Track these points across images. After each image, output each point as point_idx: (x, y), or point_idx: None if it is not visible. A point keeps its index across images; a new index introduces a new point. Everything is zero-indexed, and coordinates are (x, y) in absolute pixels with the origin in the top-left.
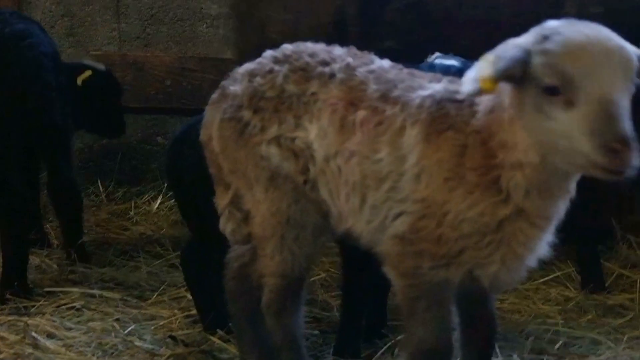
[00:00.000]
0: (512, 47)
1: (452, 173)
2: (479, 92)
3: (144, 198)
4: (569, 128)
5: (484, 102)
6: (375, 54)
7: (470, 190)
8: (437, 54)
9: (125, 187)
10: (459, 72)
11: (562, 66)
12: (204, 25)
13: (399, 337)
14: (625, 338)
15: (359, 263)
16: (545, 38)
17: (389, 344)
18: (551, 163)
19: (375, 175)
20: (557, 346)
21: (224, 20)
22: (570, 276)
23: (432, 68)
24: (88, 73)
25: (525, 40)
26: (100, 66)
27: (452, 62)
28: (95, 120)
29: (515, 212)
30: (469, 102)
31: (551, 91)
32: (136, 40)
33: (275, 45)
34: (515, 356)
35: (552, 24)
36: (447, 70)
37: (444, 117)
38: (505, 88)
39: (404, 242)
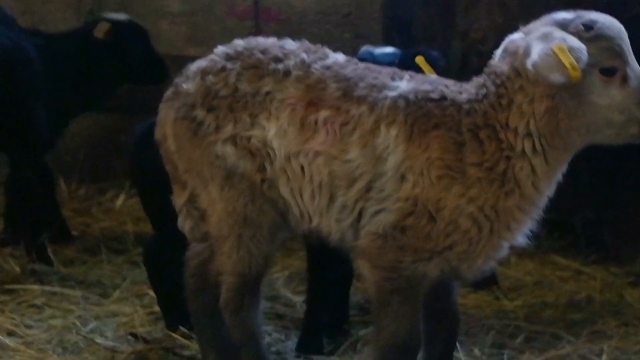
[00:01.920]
0: (572, 39)
1: (446, 170)
2: (569, 80)
3: (107, 195)
4: (627, 101)
5: (476, 99)
6: None
7: (469, 185)
8: (365, 46)
9: (87, 184)
10: (402, 57)
11: (619, 47)
12: (166, 23)
13: (361, 333)
14: (584, 332)
15: (324, 260)
16: (589, 27)
17: (351, 339)
18: (580, 143)
19: (345, 176)
20: (517, 340)
21: (187, 17)
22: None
23: (372, 56)
24: (106, 26)
25: (560, 32)
26: (122, 16)
27: (389, 49)
28: (133, 70)
29: (516, 203)
30: (450, 102)
31: (611, 72)
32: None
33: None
34: (476, 351)
35: (566, 15)
36: (392, 57)
37: (427, 116)
38: (534, 82)
39: (385, 237)
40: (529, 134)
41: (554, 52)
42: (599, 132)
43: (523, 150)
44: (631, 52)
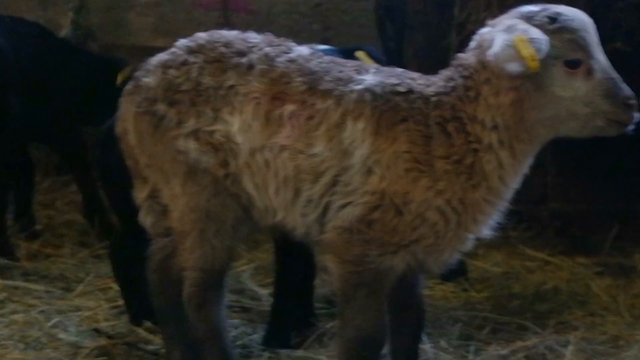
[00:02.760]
0: (534, 30)
1: (414, 163)
2: (526, 70)
3: (71, 188)
4: (591, 94)
5: (444, 92)
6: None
7: (437, 178)
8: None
9: (52, 177)
10: (342, 53)
11: (583, 40)
12: (133, 14)
13: (328, 326)
14: (551, 323)
15: (291, 253)
16: (553, 20)
17: (318, 333)
18: (546, 136)
19: (311, 170)
20: (484, 332)
21: (153, 8)
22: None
23: None
24: (126, 72)
25: (523, 24)
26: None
27: (327, 47)
28: None
29: (483, 195)
30: (417, 94)
31: (575, 64)
32: (63, 30)
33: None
34: (443, 342)
35: (532, 8)
36: (332, 54)
37: (394, 109)
38: (499, 74)
39: (351, 231)
40: (495, 127)
41: (514, 43)
42: (564, 124)
43: (490, 143)
44: (598, 45)
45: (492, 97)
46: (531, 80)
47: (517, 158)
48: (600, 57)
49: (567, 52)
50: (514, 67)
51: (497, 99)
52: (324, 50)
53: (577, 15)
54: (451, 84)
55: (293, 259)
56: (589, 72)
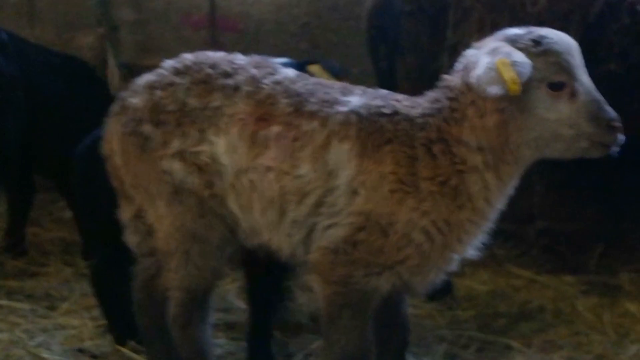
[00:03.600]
0: (518, 54)
1: (399, 184)
2: (507, 93)
3: (57, 205)
4: (575, 116)
5: (430, 114)
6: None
7: (422, 199)
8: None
9: (38, 194)
10: (297, 67)
11: (567, 62)
12: (121, 32)
13: (313, 346)
14: (536, 342)
15: (260, 269)
16: (537, 43)
17: (303, 352)
18: (531, 157)
19: (296, 191)
20: (470, 351)
21: (141, 26)
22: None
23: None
24: None
25: (507, 47)
26: None
27: (285, 59)
28: None
29: (468, 216)
30: (402, 116)
31: (558, 86)
32: (52, 47)
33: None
34: None
35: (517, 30)
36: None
37: (379, 131)
38: (484, 96)
39: (336, 252)
40: (480, 148)
41: (496, 66)
42: (548, 146)
43: (475, 165)
44: (582, 67)
45: (477, 118)
46: (516, 102)
47: (502, 179)
48: (584, 79)
49: (550, 74)
50: (495, 90)
51: (482, 120)
52: (284, 63)
53: (561, 38)
54: (437, 105)
55: (261, 277)
56: (573, 94)
